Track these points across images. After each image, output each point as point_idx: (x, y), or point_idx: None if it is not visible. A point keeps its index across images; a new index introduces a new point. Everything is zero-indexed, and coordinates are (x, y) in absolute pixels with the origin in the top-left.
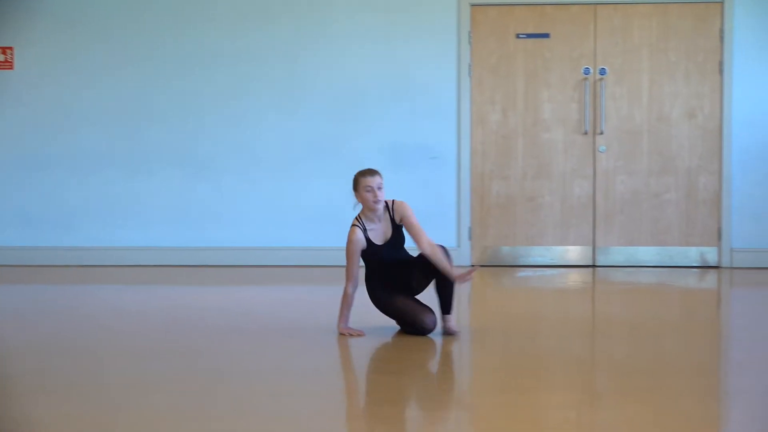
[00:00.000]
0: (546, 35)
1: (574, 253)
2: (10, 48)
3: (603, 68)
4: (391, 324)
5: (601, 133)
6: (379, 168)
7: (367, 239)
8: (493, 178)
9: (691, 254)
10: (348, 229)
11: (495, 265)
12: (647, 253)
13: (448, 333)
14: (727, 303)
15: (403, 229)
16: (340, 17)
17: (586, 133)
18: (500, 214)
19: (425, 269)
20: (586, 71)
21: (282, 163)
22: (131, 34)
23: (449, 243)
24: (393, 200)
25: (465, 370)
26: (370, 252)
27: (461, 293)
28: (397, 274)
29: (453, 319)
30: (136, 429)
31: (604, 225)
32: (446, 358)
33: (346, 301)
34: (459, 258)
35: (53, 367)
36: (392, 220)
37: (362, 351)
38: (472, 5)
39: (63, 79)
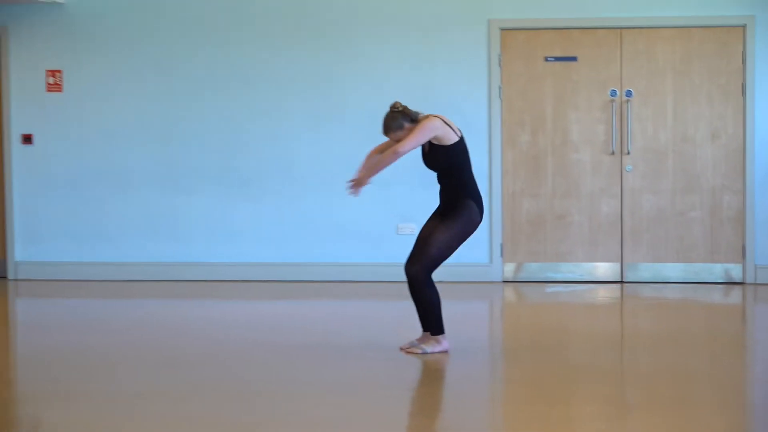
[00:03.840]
0: (573, 58)
1: (602, 269)
2: (59, 71)
3: (629, 90)
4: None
5: (628, 153)
6: (412, 187)
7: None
8: (523, 196)
9: (716, 270)
10: None
11: (525, 281)
12: (673, 270)
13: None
14: (751, 318)
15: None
16: (375, 40)
17: (613, 153)
18: (531, 231)
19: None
20: (613, 93)
21: (318, 181)
22: (170, 54)
23: (482, 259)
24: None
25: (497, 382)
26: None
27: (494, 308)
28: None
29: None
30: None
31: (631, 242)
32: (476, 372)
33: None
34: (491, 273)
35: (77, 378)
36: None
37: (383, 365)
38: (502, 30)
39: (107, 99)
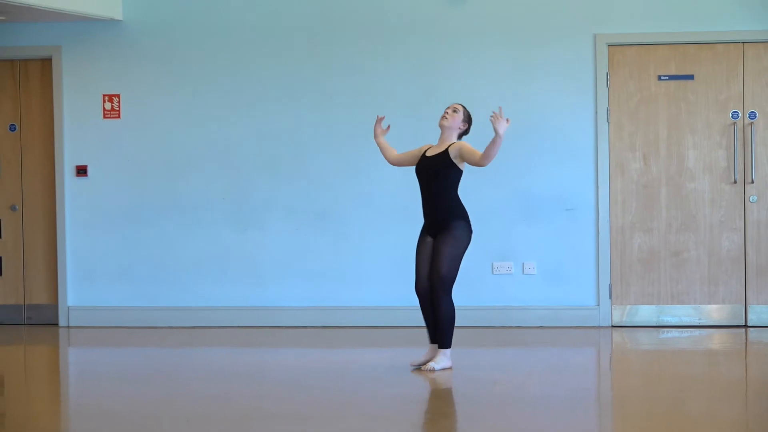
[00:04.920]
0: (690, 77)
1: (723, 311)
2: (117, 95)
3: (753, 112)
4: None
5: (752, 182)
6: (509, 220)
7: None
8: (634, 230)
9: None
10: None
11: (636, 326)
12: None
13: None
14: None
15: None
16: (467, 56)
17: (735, 182)
18: (642, 270)
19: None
20: (734, 115)
21: (404, 214)
22: (239, 75)
23: (588, 302)
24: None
25: None
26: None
27: (601, 356)
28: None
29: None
30: None
31: (756, 281)
32: (583, 426)
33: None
34: (598, 317)
35: None
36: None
37: (485, 416)
38: (610, 45)
39: (169, 126)
